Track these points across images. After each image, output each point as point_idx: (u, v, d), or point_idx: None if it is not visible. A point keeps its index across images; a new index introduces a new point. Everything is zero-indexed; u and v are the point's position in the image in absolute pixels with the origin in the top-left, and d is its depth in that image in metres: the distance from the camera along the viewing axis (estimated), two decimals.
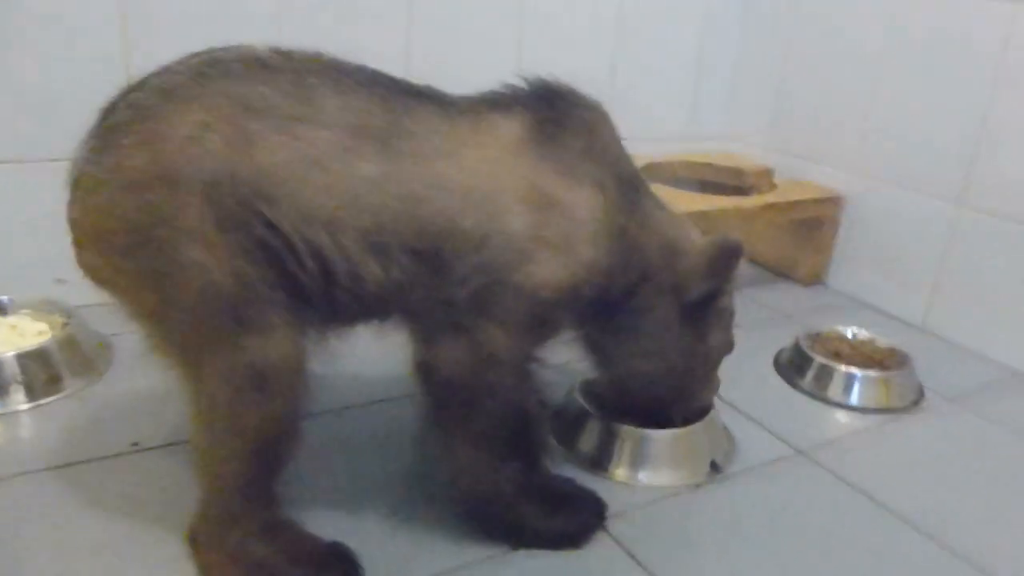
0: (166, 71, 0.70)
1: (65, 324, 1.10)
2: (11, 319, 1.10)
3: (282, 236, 0.68)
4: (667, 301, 0.85)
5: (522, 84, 0.81)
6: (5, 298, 1.13)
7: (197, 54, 0.71)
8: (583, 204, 0.77)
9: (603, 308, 0.84)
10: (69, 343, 1.06)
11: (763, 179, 1.64)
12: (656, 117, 1.73)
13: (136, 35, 1.17)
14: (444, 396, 0.76)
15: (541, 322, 0.78)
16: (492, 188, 0.73)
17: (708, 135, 1.80)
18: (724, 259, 0.84)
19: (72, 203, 0.70)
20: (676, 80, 1.72)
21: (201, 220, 0.65)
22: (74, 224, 0.71)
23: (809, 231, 1.58)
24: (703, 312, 0.87)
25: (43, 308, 1.13)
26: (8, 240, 1.18)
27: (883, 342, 1.26)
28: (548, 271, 0.74)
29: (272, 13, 1.24)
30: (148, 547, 0.77)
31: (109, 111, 0.70)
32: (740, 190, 1.63)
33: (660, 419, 0.95)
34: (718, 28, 1.72)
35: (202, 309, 0.67)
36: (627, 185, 0.82)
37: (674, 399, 0.94)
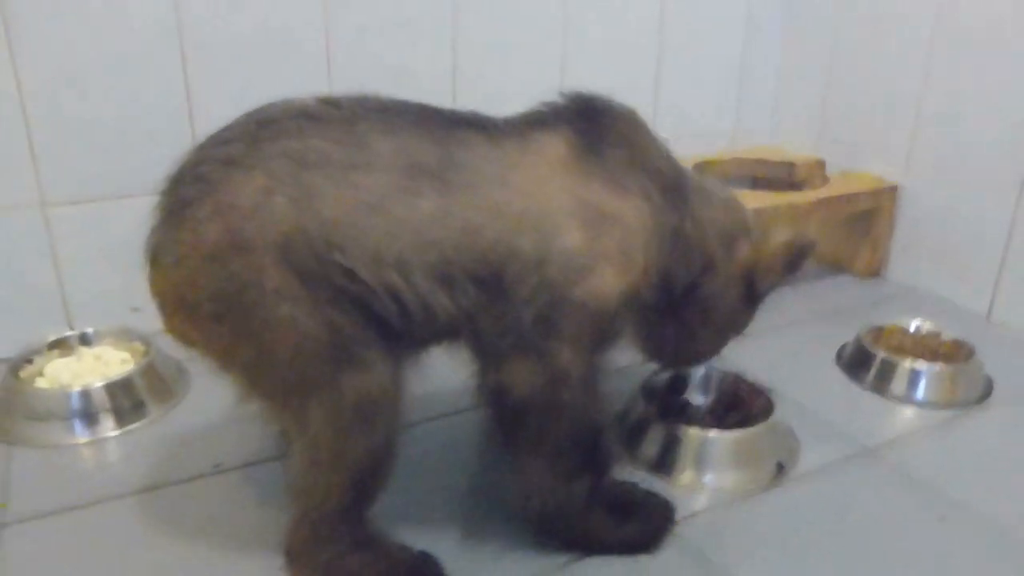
0: (223, 141, 0.72)
1: (145, 352, 1.15)
2: (96, 350, 1.17)
3: (361, 282, 0.70)
4: (733, 288, 0.90)
5: (559, 100, 0.82)
6: (90, 330, 1.19)
7: (248, 114, 0.74)
8: (633, 213, 0.78)
9: (665, 305, 0.87)
10: (150, 370, 1.11)
11: (815, 172, 1.62)
12: (702, 116, 1.72)
13: (196, 75, 1.22)
14: (517, 417, 0.77)
15: (605, 333, 0.79)
16: (545, 208, 0.75)
17: (756, 130, 1.79)
18: (799, 258, 0.89)
19: (154, 276, 0.73)
20: (721, 78, 1.72)
21: (284, 279, 0.68)
22: (160, 296, 0.74)
23: (865, 223, 1.56)
24: (764, 295, 0.93)
25: (123, 337, 1.19)
26: (86, 274, 1.24)
27: (948, 335, 1.24)
28: (608, 282, 0.76)
29: (323, 44, 1.29)
30: (235, 564, 0.81)
31: (176, 183, 0.72)
32: (792, 185, 1.62)
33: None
34: (762, 21, 1.71)
35: (300, 359, 0.69)
36: (672, 186, 0.83)
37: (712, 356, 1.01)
